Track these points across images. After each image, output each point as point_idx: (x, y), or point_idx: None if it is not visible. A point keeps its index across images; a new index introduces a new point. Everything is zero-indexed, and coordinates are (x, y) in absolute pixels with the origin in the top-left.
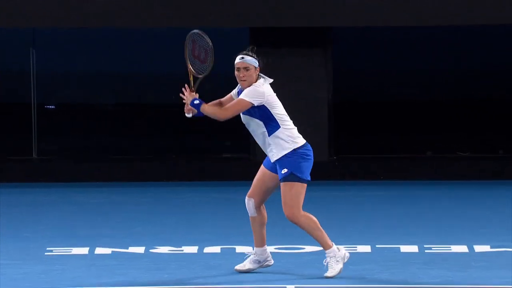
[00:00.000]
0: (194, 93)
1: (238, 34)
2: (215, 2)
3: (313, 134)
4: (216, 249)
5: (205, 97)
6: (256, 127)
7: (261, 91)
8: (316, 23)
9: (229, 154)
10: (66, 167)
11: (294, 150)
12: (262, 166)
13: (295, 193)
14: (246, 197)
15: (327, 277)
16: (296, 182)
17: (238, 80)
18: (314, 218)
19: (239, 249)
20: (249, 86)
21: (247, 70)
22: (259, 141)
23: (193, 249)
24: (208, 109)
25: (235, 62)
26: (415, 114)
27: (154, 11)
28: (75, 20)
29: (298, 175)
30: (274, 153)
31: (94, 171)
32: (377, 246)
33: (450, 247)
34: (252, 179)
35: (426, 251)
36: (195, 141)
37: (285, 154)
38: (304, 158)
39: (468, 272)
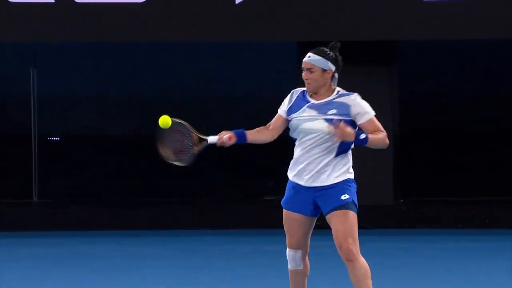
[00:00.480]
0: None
1: (284, 49)
2: (252, 14)
3: (375, 171)
4: None
5: (246, 123)
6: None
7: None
8: (377, 36)
9: (272, 197)
10: (74, 212)
11: (354, 179)
12: (288, 212)
13: (353, 224)
14: (291, 250)
15: None
16: (354, 212)
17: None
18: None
19: None
20: (315, 91)
21: (311, 72)
22: (311, 162)
23: None
24: (372, 139)
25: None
26: (499, 147)
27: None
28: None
29: (357, 204)
30: (330, 177)
31: (108, 217)
32: None
33: None
34: None
35: None
36: (231, 181)
37: (347, 179)
38: (356, 192)
39: None
